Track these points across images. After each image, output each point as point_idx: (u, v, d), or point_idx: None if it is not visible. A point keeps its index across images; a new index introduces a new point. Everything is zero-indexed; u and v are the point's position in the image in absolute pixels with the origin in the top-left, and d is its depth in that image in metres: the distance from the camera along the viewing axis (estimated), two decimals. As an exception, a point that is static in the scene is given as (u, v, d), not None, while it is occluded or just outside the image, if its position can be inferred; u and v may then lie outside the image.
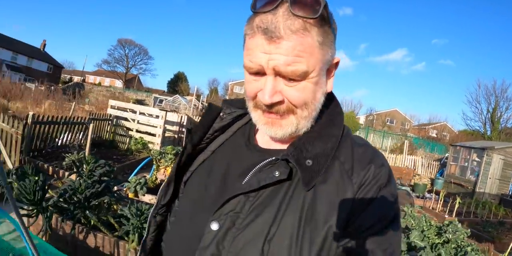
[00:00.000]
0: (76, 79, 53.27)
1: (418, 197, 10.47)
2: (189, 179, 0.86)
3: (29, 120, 6.15)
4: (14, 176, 4.66)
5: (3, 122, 5.92)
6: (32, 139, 6.31)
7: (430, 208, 8.68)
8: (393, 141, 23.12)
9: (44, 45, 49.92)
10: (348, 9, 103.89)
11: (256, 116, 0.75)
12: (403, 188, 10.18)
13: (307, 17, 0.64)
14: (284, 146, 0.77)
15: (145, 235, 0.91)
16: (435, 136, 36.82)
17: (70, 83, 42.57)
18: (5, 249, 2.43)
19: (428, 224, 3.83)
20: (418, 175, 14.40)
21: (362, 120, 44.43)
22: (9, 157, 5.78)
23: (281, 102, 0.69)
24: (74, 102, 14.87)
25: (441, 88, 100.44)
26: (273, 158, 0.74)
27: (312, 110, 0.72)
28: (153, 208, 0.90)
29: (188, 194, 0.85)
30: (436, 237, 3.67)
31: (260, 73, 0.68)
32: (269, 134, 0.75)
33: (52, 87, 24.45)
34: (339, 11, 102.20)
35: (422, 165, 16.64)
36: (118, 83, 58.30)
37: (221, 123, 0.87)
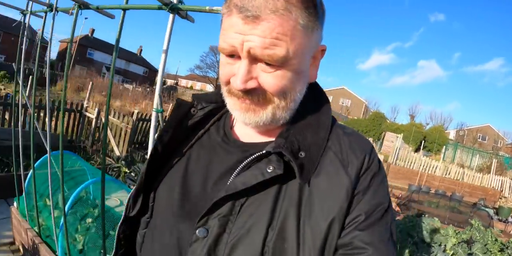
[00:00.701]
0: (169, 82, 56.45)
1: (500, 220, 9.84)
2: (160, 184, 0.76)
3: (134, 117, 7.22)
4: (123, 161, 5.63)
5: (113, 117, 7.08)
6: (135, 133, 7.37)
7: (511, 233, 8.20)
8: (483, 159, 21.47)
9: (141, 50, 54.60)
10: (440, 15, 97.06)
11: (231, 102, 0.68)
12: (486, 209, 9.64)
13: None
14: (268, 139, 0.73)
15: (113, 253, 0.83)
16: (531, 156, 32.96)
17: (164, 86, 46.12)
18: (117, 217, 2.84)
19: (493, 239, 3.86)
20: (505, 197, 13.37)
21: (452, 135, 41.28)
22: (117, 146, 6.90)
23: (256, 90, 0.63)
24: (171, 104, 16.30)
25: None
26: (264, 152, 0.66)
27: (291, 100, 0.66)
28: (120, 221, 0.80)
29: (163, 202, 0.74)
30: (500, 253, 3.70)
31: (235, 56, 0.62)
32: (242, 120, 0.68)
33: (148, 89, 26.85)
34: (430, 17, 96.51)
35: (510, 187, 15.29)
36: (209, 87, 60.22)
37: (193, 120, 0.79)
